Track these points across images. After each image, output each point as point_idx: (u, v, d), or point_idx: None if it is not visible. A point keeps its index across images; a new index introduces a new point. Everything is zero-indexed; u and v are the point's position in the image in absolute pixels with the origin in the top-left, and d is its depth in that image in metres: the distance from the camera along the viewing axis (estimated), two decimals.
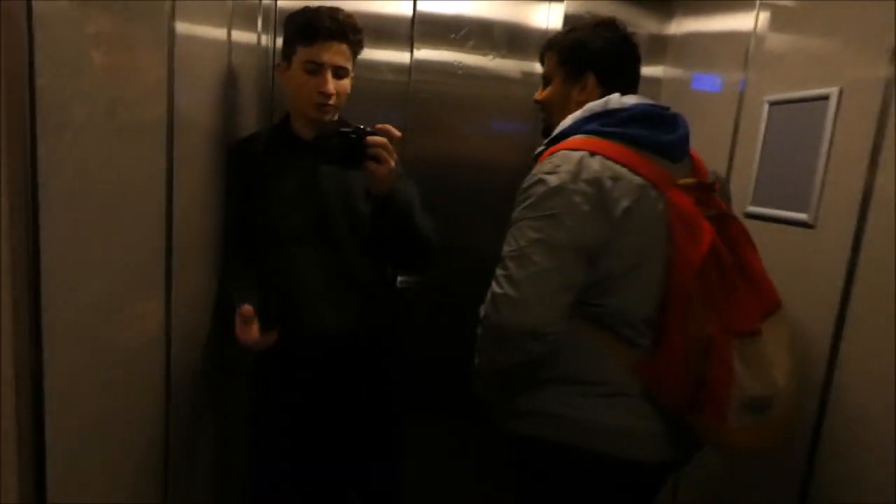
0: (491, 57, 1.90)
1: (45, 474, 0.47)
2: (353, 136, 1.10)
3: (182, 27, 0.85)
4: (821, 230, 1.13)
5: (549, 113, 1.15)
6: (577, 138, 0.99)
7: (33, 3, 0.44)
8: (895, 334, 0.95)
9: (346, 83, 1.23)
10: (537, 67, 1.96)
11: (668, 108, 1.05)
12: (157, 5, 0.77)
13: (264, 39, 1.72)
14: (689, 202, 0.96)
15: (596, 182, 0.92)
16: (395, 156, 1.12)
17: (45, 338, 0.45)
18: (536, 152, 1.08)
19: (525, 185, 0.97)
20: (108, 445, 0.68)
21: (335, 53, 1.19)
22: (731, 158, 1.42)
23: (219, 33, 1.15)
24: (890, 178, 0.99)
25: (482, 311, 0.96)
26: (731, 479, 1.31)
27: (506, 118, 1.97)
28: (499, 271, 0.94)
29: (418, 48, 1.88)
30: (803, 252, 1.17)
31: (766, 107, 1.30)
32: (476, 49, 1.89)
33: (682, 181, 0.99)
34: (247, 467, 1.54)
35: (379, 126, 1.12)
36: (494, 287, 0.93)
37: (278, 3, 1.79)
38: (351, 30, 1.20)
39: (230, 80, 1.26)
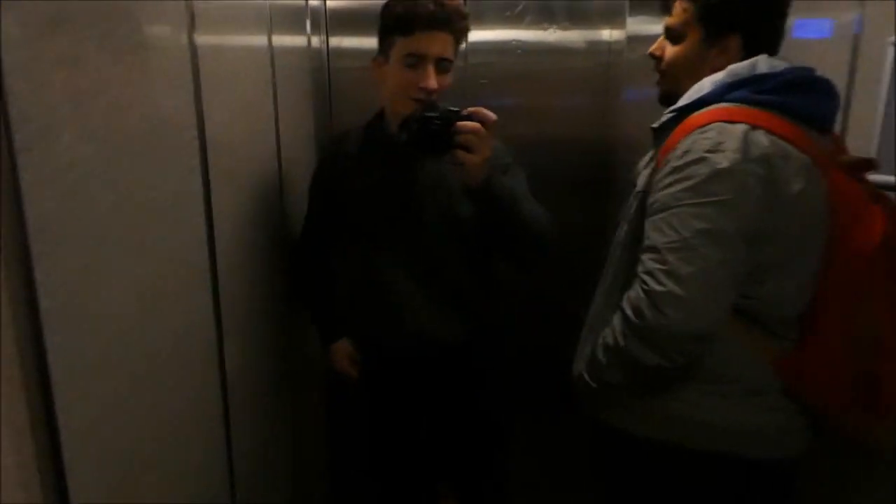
0: (552, 30, 1.75)
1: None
2: (439, 121, 0.99)
3: (205, 38, 0.82)
4: None
5: (674, 76, 1.00)
6: (726, 107, 0.86)
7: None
8: None
9: (447, 77, 1.11)
10: (603, 35, 1.81)
11: (814, 71, 0.91)
12: (173, 18, 0.74)
13: (315, 41, 1.70)
14: (853, 183, 0.86)
15: (765, 161, 0.81)
16: (489, 143, 1.01)
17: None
18: (660, 123, 0.96)
19: (679, 162, 0.84)
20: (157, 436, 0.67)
21: (438, 44, 1.07)
22: (845, 118, 1.19)
23: (257, 40, 1.12)
24: None
25: (628, 310, 0.85)
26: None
27: (572, 93, 1.83)
28: (654, 265, 0.82)
29: (473, 30, 1.77)
30: None
31: (890, 50, 1.07)
32: (534, 24, 1.75)
33: (843, 158, 0.89)
34: (324, 467, 1.54)
35: (471, 109, 1.00)
36: (652, 284, 0.82)
37: (328, 3, 1.76)
38: (456, 16, 1.08)
39: (276, 88, 1.23)
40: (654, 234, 0.84)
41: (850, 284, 0.84)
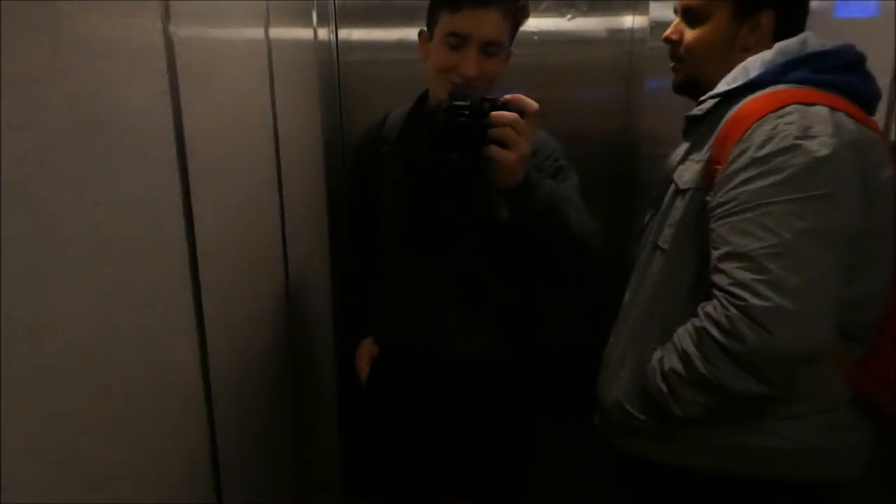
0: (569, 17, 1.66)
1: None
2: (468, 111, 0.83)
3: (183, 29, 0.77)
4: None
5: (697, 60, 0.90)
6: (791, 88, 0.77)
7: None
8: None
9: (496, 63, 0.98)
10: (625, 22, 1.71)
11: (856, 48, 0.83)
12: (143, 7, 0.69)
13: (322, 33, 1.65)
14: None
15: (855, 146, 0.72)
16: (529, 137, 0.85)
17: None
18: (702, 110, 0.86)
19: (762, 152, 0.73)
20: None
21: (486, 24, 0.93)
22: (890, 105, 1.08)
23: (251, 33, 1.07)
24: None
25: (713, 330, 0.73)
26: None
27: (592, 83, 1.73)
28: (746, 275, 0.71)
29: None
30: None
31: None
32: (551, 11, 1.67)
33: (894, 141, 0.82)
34: (334, 475, 1.50)
35: (508, 97, 0.85)
36: (750, 298, 0.70)
37: None
38: None
39: (273, 82, 1.18)
40: (740, 238, 0.72)
41: None
